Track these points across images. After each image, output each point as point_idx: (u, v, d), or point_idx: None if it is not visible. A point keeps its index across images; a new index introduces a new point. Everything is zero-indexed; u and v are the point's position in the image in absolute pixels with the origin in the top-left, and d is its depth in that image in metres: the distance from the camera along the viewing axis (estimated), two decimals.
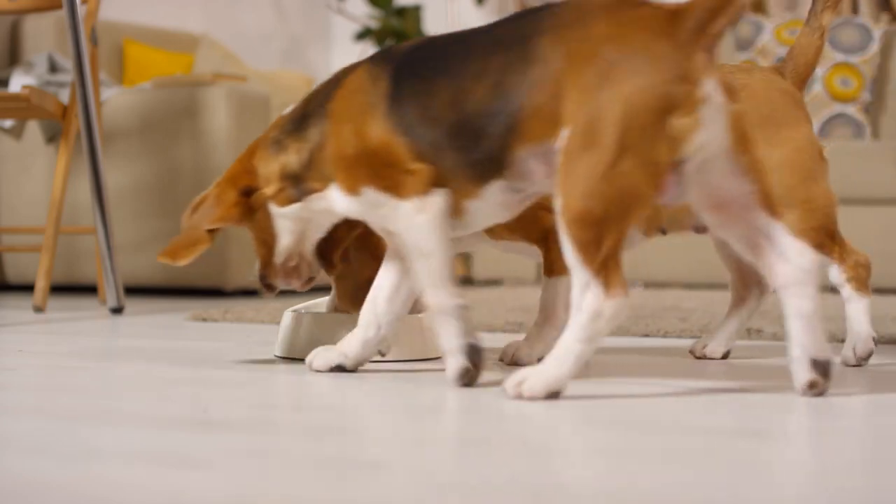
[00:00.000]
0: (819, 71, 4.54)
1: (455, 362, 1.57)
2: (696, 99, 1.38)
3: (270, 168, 1.66)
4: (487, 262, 4.52)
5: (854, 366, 1.83)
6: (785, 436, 1.26)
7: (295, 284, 1.78)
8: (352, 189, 1.58)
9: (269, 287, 1.76)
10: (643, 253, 4.23)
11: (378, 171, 1.55)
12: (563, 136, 1.41)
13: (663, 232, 1.84)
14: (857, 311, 1.81)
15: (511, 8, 5.90)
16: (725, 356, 1.95)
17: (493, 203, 1.54)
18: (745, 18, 4.75)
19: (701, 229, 1.85)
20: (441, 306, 1.57)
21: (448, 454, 1.13)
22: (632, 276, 4.31)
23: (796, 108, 1.80)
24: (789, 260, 1.46)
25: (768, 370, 1.78)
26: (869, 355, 1.82)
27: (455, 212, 1.55)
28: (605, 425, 1.29)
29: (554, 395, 1.43)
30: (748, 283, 1.91)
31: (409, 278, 1.67)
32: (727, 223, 1.48)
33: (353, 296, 1.88)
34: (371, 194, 1.57)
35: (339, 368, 1.70)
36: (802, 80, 1.86)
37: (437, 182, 1.53)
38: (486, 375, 1.71)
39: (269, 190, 1.66)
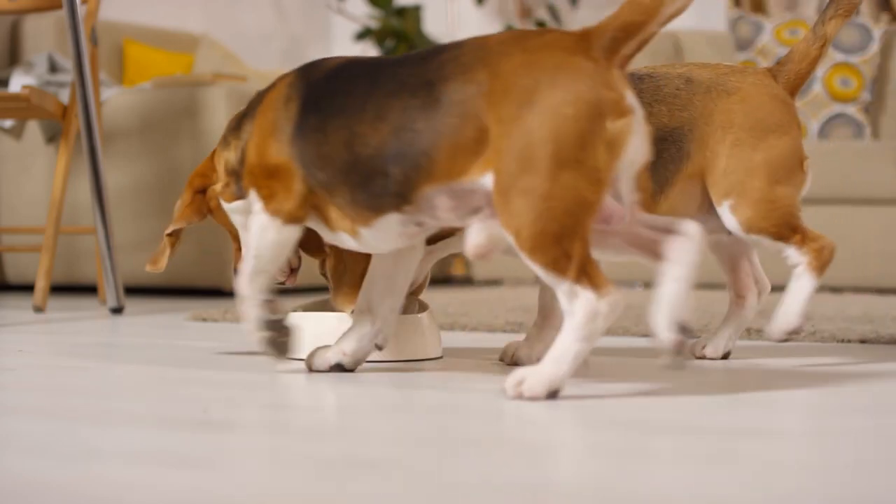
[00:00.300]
0: (819, 71, 4.54)
1: (259, 336, 1.64)
2: (626, 105, 1.39)
3: (220, 164, 1.72)
4: (487, 262, 4.52)
5: (777, 340, 1.79)
6: (785, 436, 1.26)
7: (279, 277, 1.80)
8: (246, 189, 1.65)
9: None
10: None
11: (263, 181, 1.63)
12: (489, 174, 1.44)
13: None
14: (801, 289, 1.77)
15: (511, 8, 5.90)
16: (726, 356, 1.95)
17: (388, 233, 1.57)
18: (746, 18, 4.75)
19: None
20: (249, 296, 1.64)
21: (448, 454, 1.13)
22: (632, 276, 4.31)
23: (786, 115, 1.80)
24: (678, 231, 1.45)
25: (768, 370, 1.78)
26: (793, 332, 1.78)
27: (350, 232, 1.59)
28: (605, 425, 1.29)
29: (553, 394, 1.43)
30: (746, 283, 1.91)
31: (401, 269, 1.68)
32: (607, 233, 1.50)
33: (349, 292, 1.88)
34: (252, 197, 1.64)
35: (339, 367, 1.70)
36: (795, 86, 1.84)
37: (311, 209, 1.61)
38: (484, 376, 1.71)
39: (217, 186, 1.72)
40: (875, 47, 4.60)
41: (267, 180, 1.62)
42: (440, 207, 1.51)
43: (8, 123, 4.03)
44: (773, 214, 1.76)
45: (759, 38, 4.67)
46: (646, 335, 2.39)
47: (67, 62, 4.05)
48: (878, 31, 4.63)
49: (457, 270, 4.93)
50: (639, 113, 1.42)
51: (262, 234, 1.62)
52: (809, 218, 4.55)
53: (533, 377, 1.43)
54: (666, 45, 4.80)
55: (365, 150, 1.52)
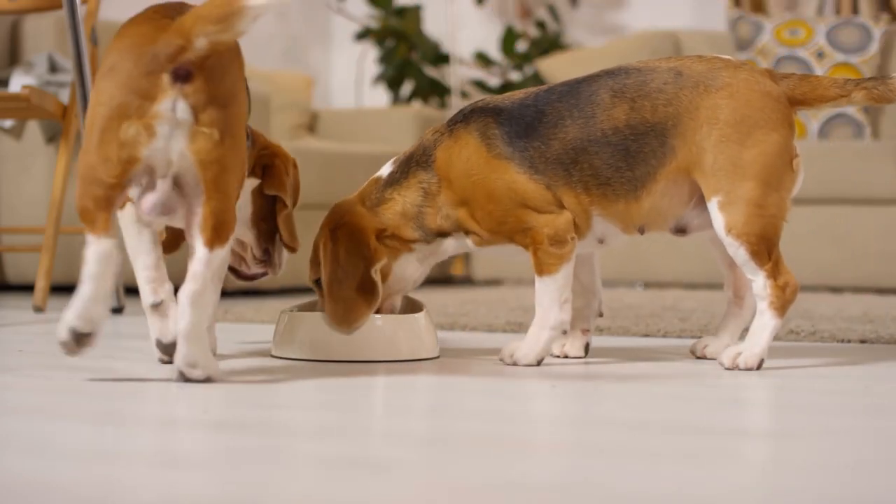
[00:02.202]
0: (819, 71, 4.54)
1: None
2: (151, 112, 1.53)
3: None
4: (487, 262, 4.52)
5: (727, 368, 1.76)
6: (785, 436, 1.26)
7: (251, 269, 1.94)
8: None
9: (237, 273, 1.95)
10: (643, 253, 4.23)
11: None
12: None
13: (641, 231, 1.83)
14: (763, 328, 1.76)
15: (511, 8, 5.91)
16: None
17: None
18: (746, 18, 4.75)
19: (680, 231, 1.85)
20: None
21: (448, 454, 1.13)
22: (632, 276, 4.31)
23: (775, 112, 1.78)
24: (195, 253, 1.55)
25: (768, 370, 1.78)
26: (747, 370, 1.76)
27: None
28: (604, 425, 1.30)
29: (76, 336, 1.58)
30: (745, 282, 1.90)
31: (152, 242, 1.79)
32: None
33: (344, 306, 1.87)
34: None
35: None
36: (795, 101, 1.81)
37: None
38: (483, 376, 1.71)
39: None
40: (875, 47, 4.61)
41: None
42: None
43: (8, 123, 4.04)
44: (759, 221, 1.74)
45: (759, 38, 4.68)
46: (646, 335, 2.40)
47: (67, 62, 4.06)
48: (878, 31, 4.63)
49: (457, 271, 4.93)
50: (175, 118, 1.52)
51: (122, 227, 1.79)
52: (810, 218, 4.55)
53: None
54: (666, 45, 4.80)
55: None
